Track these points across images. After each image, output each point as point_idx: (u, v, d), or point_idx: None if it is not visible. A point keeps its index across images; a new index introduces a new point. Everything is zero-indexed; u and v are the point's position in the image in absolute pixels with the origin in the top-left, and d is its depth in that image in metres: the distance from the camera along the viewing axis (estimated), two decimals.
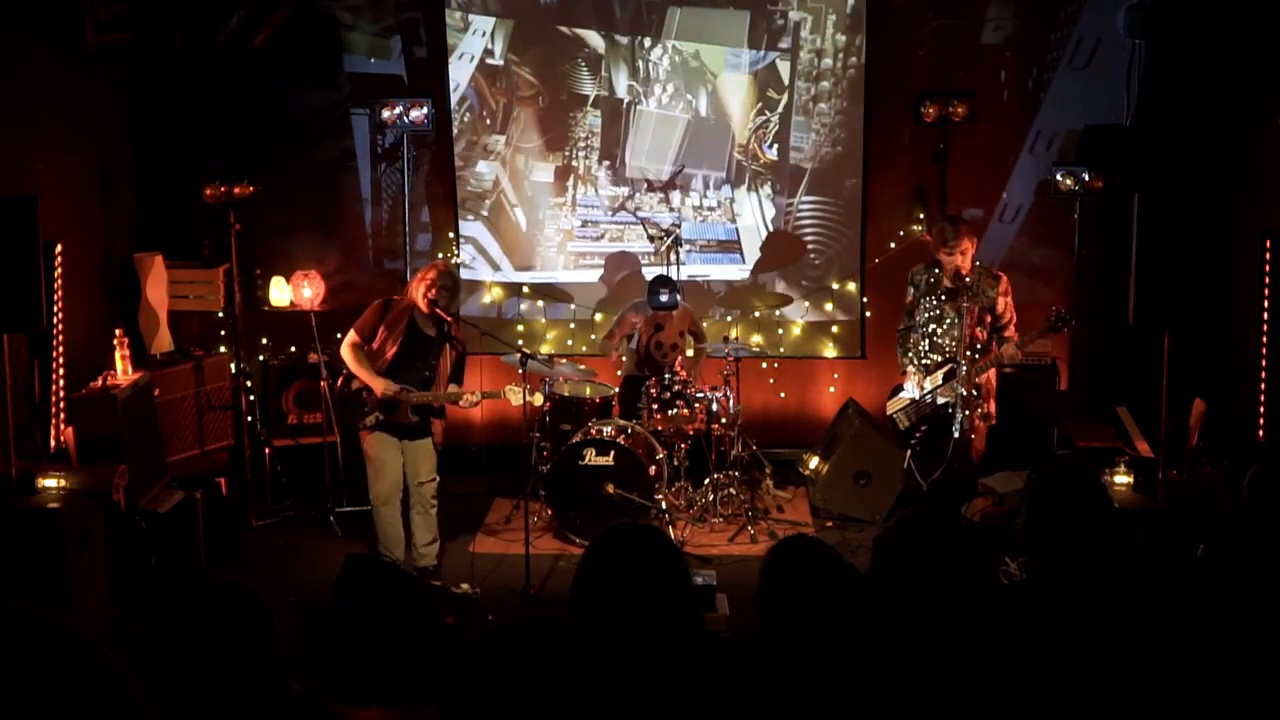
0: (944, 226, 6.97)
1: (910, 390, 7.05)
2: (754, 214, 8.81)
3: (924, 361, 7.00)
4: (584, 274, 8.94)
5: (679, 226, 8.45)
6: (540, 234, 8.89)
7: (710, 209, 8.83)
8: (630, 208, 8.72)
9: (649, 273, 8.50)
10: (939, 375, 6.92)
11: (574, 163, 8.83)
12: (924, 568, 2.97)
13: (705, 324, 8.66)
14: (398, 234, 8.80)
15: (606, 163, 8.79)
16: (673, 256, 8.25)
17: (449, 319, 6.67)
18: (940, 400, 6.89)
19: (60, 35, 7.27)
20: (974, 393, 6.85)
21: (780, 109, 8.66)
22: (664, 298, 7.71)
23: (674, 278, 7.99)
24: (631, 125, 8.76)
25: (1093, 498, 3.29)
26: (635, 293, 8.49)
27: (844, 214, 8.75)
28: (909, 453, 7.13)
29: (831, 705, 2.70)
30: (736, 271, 8.88)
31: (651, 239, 8.42)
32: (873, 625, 2.84)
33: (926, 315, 6.98)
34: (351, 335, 6.69)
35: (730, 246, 8.85)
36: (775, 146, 8.72)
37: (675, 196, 8.80)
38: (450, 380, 6.75)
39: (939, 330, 6.95)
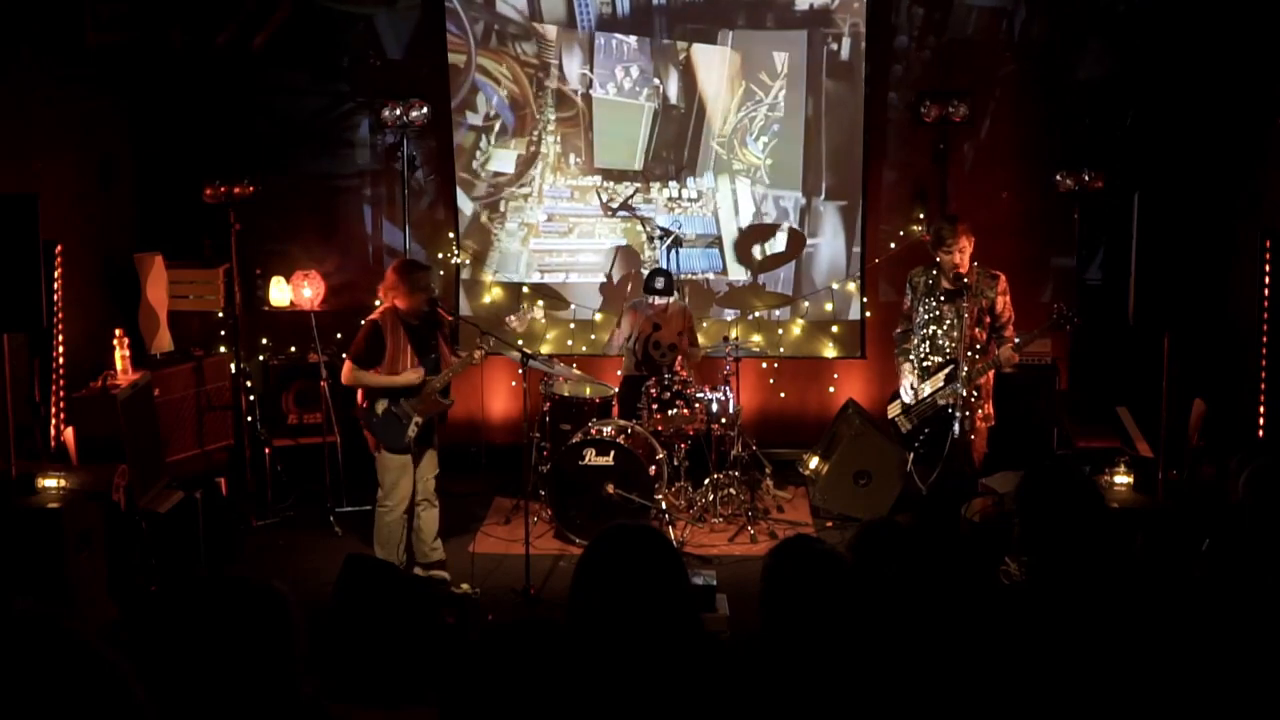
0: (940, 226, 6.99)
1: (909, 393, 7.05)
2: (731, 209, 8.72)
3: (924, 364, 7.00)
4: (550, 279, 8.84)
5: (680, 228, 8.44)
6: (500, 228, 8.79)
7: (690, 200, 8.74)
8: (632, 205, 8.69)
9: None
10: (939, 377, 6.92)
11: (542, 149, 8.72)
12: (894, 573, 2.99)
13: (705, 324, 8.67)
14: (397, 234, 8.80)
15: (573, 153, 8.69)
16: (671, 257, 8.25)
17: (449, 318, 6.74)
18: (940, 402, 6.89)
19: (60, 35, 7.27)
20: (974, 394, 6.85)
21: (771, 98, 8.57)
22: (659, 284, 7.73)
23: (671, 272, 8.00)
24: (593, 117, 8.61)
25: (1083, 494, 3.30)
26: (634, 293, 8.50)
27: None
28: (911, 456, 7.14)
29: (832, 706, 2.70)
30: (715, 278, 8.83)
31: (651, 239, 8.41)
32: (869, 626, 2.84)
33: (926, 317, 6.98)
34: (353, 365, 6.54)
35: (711, 242, 8.76)
36: (761, 142, 8.63)
37: (653, 187, 8.68)
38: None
39: (938, 331, 6.95)
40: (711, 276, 8.82)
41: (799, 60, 8.52)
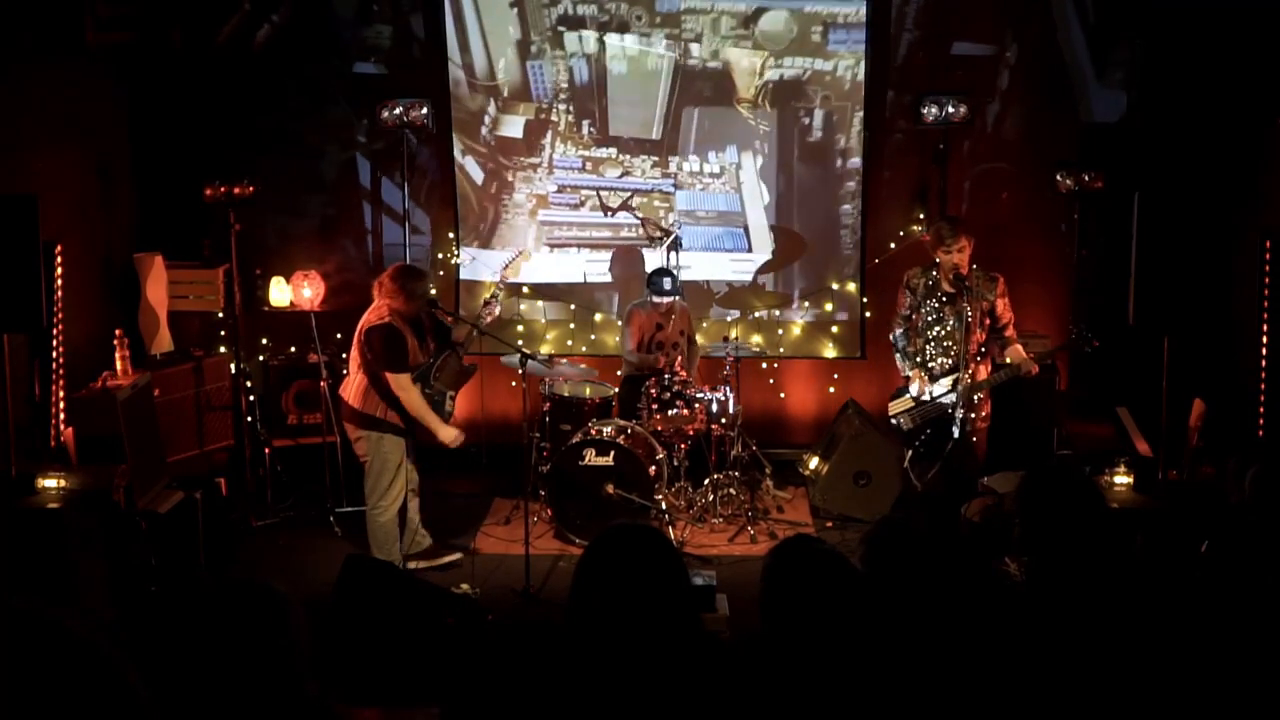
0: (940, 226, 7.00)
1: (915, 392, 7.04)
2: (755, 182, 8.56)
3: (929, 366, 7.00)
4: (559, 259, 8.70)
5: (679, 227, 8.43)
6: (509, 198, 8.71)
7: (712, 175, 8.62)
8: (633, 205, 8.66)
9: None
10: (948, 381, 6.91)
11: (552, 117, 8.59)
12: (907, 571, 2.98)
13: (705, 324, 8.67)
14: (397, 234, 8.79)
15: (586, 120, 8.57)
16: (672, 258, 8.24)
17: (448, 318, 6.84)
18: (945, 401, 6.89)
19: (60, 35, 7.26)
20: (977, 396, 6.86)
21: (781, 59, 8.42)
22: (666, 284, 7.74)
23: (674, 271, 8.00)
24: (606, 72, 8.42)
25: (1084, 494, 3.31)
26: (635, 293, 8.49)
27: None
28: (909, 454, 7.14)
29: (832, 706, 2.70)
30: (738, 267, 8.75)
31: (651, 239, 8.40)
32: (871, 626, 2.84)
33: (929, 319, 6.98)
34: (404, 377, 6.60)
35: (732, 220, 8.65)
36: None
37: (673, 161, 8.54)
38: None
39: (942, 334, 6.95)
40: (729, 260, 8.72)
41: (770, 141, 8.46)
